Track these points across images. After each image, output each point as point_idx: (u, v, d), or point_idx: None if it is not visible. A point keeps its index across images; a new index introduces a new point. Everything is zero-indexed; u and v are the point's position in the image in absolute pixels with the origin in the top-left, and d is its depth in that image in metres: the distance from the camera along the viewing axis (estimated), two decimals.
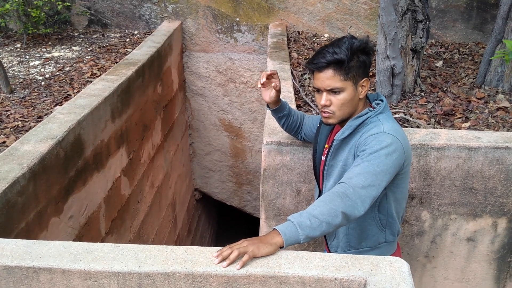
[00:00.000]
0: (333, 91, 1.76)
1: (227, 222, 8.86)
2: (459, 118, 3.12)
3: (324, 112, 1.82)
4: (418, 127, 2.96)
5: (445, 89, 3.59)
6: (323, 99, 1.79)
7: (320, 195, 2.08)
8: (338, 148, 1.86)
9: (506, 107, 3.25)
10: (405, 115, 3.11)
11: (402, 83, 3.34)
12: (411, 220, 2.73)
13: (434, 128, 2.96)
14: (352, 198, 1.60)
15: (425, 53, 4.50)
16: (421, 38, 3.39)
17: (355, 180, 1.63)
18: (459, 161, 2.56)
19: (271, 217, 2.74)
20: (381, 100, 1.87)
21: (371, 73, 3.64)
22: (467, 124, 3.01)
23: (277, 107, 2.14)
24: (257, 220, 4.02)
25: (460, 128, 2.96)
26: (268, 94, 2.07)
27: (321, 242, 2.78)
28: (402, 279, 1.44)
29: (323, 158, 2.01)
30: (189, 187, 6.31)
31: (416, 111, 3.20)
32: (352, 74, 1.74)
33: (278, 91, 2.06)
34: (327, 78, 1.75)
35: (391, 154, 1.68)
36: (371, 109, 1.82)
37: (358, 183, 1.63)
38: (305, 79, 3.82)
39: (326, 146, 2.01)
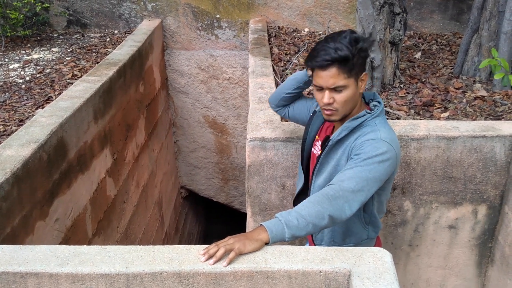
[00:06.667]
0: (337, 89, 1.72)
1: (215, 219, 8.87)
2: (438, 108, 3.18)
3: (327, 109, 1.77)
4: (398, 118, 3.01)
5: (424, 80, 3.66)
6: (326, 97, 1.73)
7: (305, 185, 2.11)
8: (333, 148, 1.87)
9: (483, 96, 3.32)
10: (385, 107, 3.16)
11: (381, 76, 3.39)
12: (394, 210, 2.78)
13: (414, 119, 3.02)
14: (340, 202, 1.62)
15: (403, 45, 4.56)
16: (398, 30, 3.44)
17: (346, 184, 1.65)
18: (439, 151, 2.62)
19: (257, 212, 2.77)
20: (379, 102, 1.85)
21: None
22: (446, 114, 3.07)
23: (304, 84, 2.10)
24: (245, 215, 4.05)
25: (439, 118, 3.02)
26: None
27: None
28: (385, 269, 1.48)
29: (313, 150, 2.03)
30: (175, 185, 6.31)
31: (396, 102, 3.25)
32: (355, 70, 1.70)
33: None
34: (331, 76, 1.68)
35: (384, 162, 1.69)
36: (368, 111, 1.81)
37: (349, 187, 1.64)
38: (287, 74, 3.85)
39: (317, 137, 2.03)
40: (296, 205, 2.17)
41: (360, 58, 1.71)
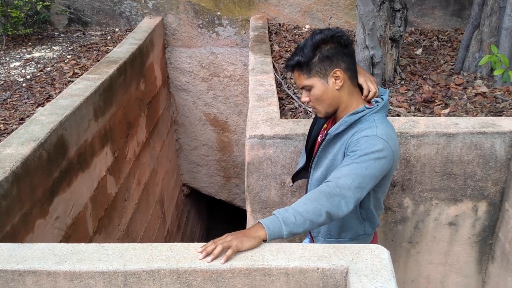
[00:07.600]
0: (306, 89, 1.84)
1: (217, 216, 8.89)
2: (439, 105, 3.17)
3: (310, 107, 1.91)
4: (398, 115, 3.01)
5: (424, 76, 3.64)
6: (303, 95, 1.88)
7: (306, 164, 2.12)
8: (330, 142, 1.88)
9: (484, 92, 3.31)
10: None
11: (382, 72, 3.38)
12: (394, 207, 2.78)
13: (414, 115, 3.01)
14: (337, 199, 1.63)
15: (404, 41, 4.54)
16: (399, 27, 3.43)
17: (343, 181, 1.66)
18: (438, 148, 2.61)
19: (257, 210, 2.78)
20: (382, 99, 1.85)
21: None
22: (446, 111, 3.06)
23: None
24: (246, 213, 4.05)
25: (439, 115, 3.01)
26: None
27: None
28: (382, 266, 1.48)
29: (319, 139, 2.04)
30: (177, 182, 6.32)
31: (396, 99, 3.24)
32: (315, 70, 1.79)
33: None
34: (296, 78, 1.85)
35: (381, 159, 1.70)
36: (368, 106, 1.82)
37: (345, 184, 1.65)
38: (287, 71, 3.84)
39: (325, 126, 2.04)
40: (295, 180, 2.19)
41: (321, 57, 1.78)
